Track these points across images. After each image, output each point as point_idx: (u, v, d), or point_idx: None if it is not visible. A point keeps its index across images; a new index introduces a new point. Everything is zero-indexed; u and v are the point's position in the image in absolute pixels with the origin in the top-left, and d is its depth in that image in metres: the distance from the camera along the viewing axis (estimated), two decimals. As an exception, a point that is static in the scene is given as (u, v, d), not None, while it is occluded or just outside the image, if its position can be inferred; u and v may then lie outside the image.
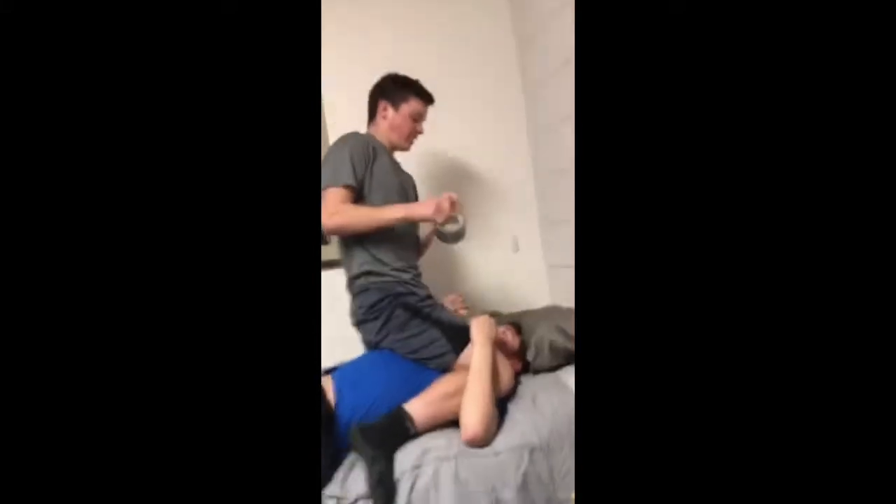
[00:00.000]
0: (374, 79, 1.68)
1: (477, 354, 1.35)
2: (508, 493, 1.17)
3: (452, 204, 1.43)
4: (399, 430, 1.24)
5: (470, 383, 1.30)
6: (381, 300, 1.50)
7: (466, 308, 1.71)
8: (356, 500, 1.13)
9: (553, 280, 2.23)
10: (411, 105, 1.63)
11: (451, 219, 1.45)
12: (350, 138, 1.54)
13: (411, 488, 1.16)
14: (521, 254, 2.26)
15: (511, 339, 1.58)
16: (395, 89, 1.64)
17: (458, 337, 1.45)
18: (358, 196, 1.50)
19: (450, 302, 1.74)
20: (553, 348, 1.57)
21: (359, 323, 1.56)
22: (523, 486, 1.18)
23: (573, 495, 1.07)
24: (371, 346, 1.56)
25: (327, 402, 1.28)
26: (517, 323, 1.68)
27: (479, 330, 1.41)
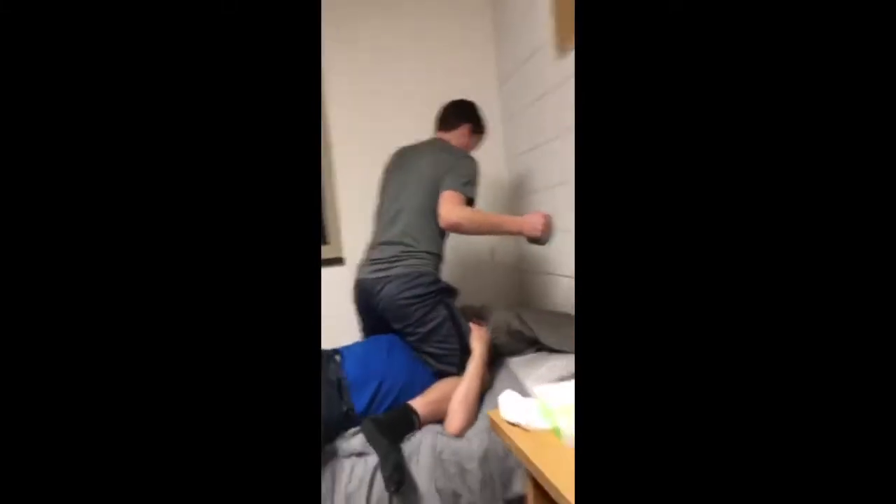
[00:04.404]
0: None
1: (474, 361, 1.62)
2: (472, 465, 1.51)
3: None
4: (407, 425, 1.52)
5: (463, 384, 1.58)
6: (430, 293, 1.65)
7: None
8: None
9: (523, 284, 2.57)
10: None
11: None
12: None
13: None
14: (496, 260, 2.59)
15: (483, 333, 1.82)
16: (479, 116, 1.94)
17: (466, 349, 1.68)
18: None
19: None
20: (510, 331, 1.80)
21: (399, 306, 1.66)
22: (484, 459, 1.52)
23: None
24: (378, 330, 1.74)
25: (342, 371, 1.57)
26: (483, 310, 1.95)
27: (479, 340, 1.66)
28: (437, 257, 1.73)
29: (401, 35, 2.47)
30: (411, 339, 1.69)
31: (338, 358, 1.63)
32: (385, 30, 2.45)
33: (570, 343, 1.70)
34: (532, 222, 1.70)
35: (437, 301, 1.67)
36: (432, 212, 1.68)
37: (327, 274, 2.33)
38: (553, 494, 0.75)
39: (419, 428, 1.54)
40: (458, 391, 1.58)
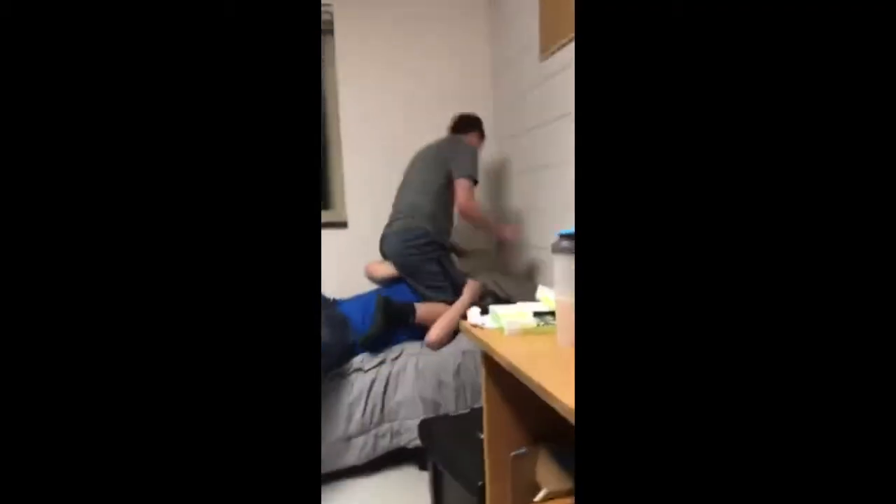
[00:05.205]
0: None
1: (462, 299, 2.10)
2: (447, 377, 1.94)
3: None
4: (406, 316, 1.98)
5: (450, 311, 2.04)
6: (425, 246, 2.14)
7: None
8: (379, 364, 1.91)
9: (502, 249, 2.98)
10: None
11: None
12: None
13: (389, 371, 1.90)
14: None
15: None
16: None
17: (455, 294, 2.18)
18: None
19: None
20: (487, 291, 2.27)
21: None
22: (457, 373, 1.95)
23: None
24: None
25: (340, 314, 2.00)
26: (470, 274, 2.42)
27: (470, 288, 2.16)
28: (433, 218, 2.16)
29: (409, 32, 2.85)
30: (412, 282, 2.16)
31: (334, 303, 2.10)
32: (393, 24, 2.83)
33: (530, 295, 2.13)
34: (511, 233, 2.36)
35: (430, 255, 2.13)
36: (433, 183, 2.17)
37: (334, 235, 2.73)
38: (497, 359, 1.16)
39: (414, 324, 2.00)
40: (445, 314, 2.03)
